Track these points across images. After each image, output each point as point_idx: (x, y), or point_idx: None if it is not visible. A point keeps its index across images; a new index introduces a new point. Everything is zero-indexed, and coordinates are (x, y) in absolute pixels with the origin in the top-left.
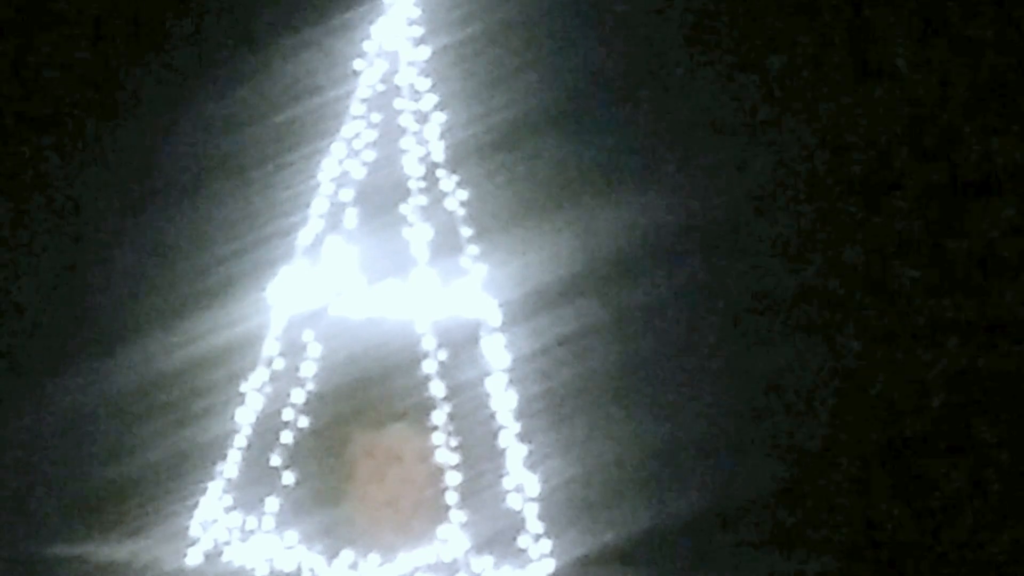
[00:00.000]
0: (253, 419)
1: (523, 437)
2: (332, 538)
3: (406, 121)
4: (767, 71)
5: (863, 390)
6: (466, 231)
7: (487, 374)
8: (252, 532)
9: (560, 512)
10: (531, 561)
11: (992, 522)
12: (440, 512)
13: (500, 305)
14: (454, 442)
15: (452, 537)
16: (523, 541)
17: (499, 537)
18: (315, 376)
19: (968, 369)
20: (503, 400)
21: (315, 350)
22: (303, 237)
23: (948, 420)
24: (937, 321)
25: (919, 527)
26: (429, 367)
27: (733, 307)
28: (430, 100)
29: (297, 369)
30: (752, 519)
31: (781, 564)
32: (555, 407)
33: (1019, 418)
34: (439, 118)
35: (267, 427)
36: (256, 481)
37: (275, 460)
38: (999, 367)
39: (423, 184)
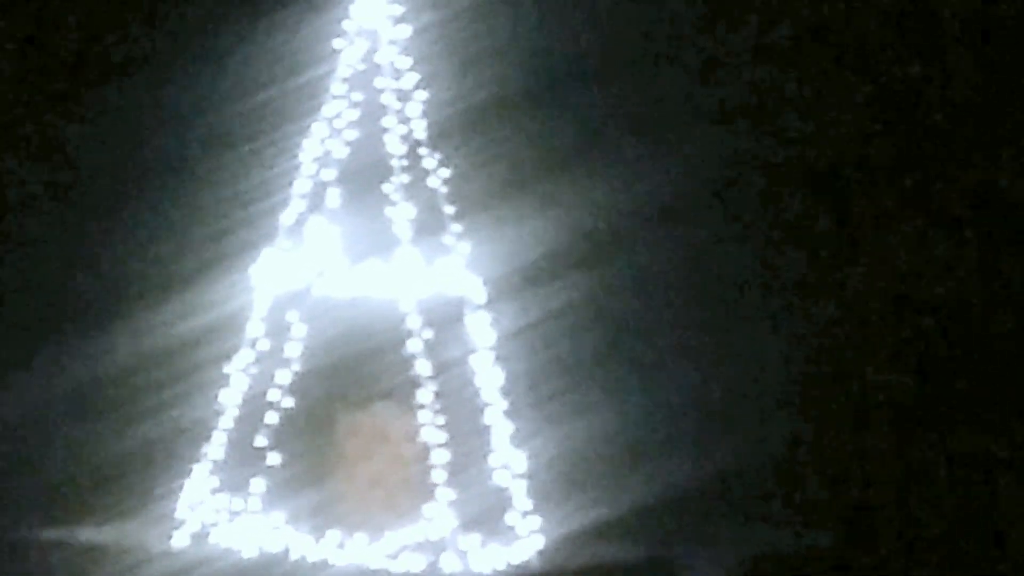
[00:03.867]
0: (238, 400)
1: (509, 415)
2: (319, 518)
3: (387, 100)
4: (748, 53)
5: (854, 365)
6: (449, 209)
7: (472, 352)
8: (238, 513)
9: (548, 489)
10: (519, 538)
11: (993, 497)
12: (427, 491)
13: (484, 283)
14: (440, 421)
15: (439, 516)
16: (511, 519)
17: (487, 515)
18: (300, 356)
19: (956, 334)
20: (489, 378)
21: (299, 330)
22: (285, 217)
23: (945, 387)
24: (910, 293)
25: (915, 500)
26: (414, 346)
27: (720, 282)
28: (411, 79)
29: (281, 350)
30: (742, 494)
31: (771, 539)
32: (541, 384)
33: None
34: (421, 96)
35: (252, 408)
36: (242, 462)
37: (260, 441)
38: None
39: (405, 163)
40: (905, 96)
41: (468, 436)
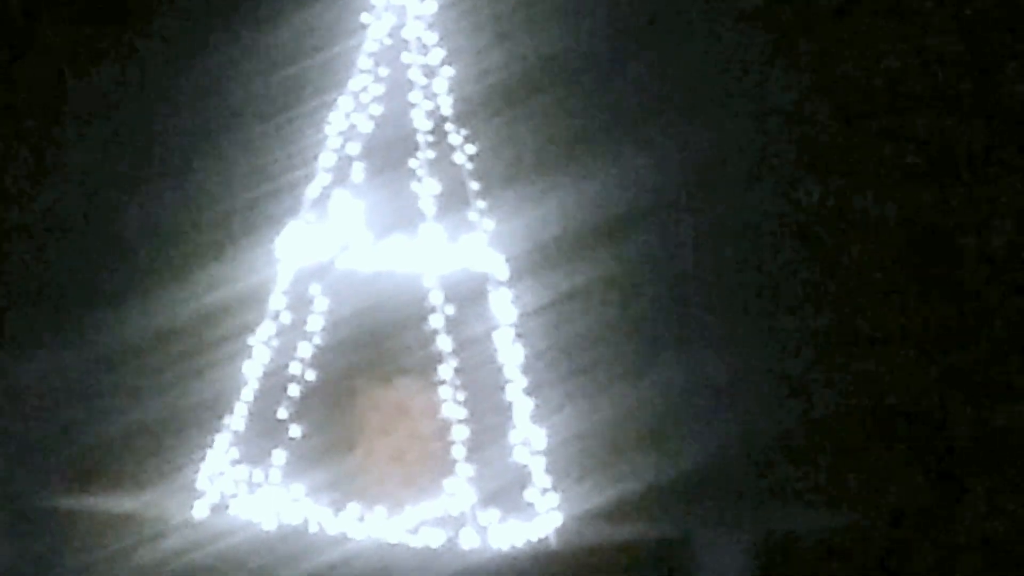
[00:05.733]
0: (260, 372)
1: (530, 391)
2: (339, 491)
3: (414, 75)
4: (775, 23)
5: (876, 344)
6: (474, 186)
7: (494, 328)
8: (259, 485)
9: (567, 466)
10: (538, 515)
11: (1008, 476)
12: (447, 466)
13: (507, 259)
14: (461, 396)
15: (459, 491)
16: (530, 495)
17: (506, 491)
18: (322, 330)
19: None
20: (510, 354)
21: (322, 304)
22: (310, 191)
23: (966, 363)
24: (926, 274)
25: (933, 481)
26: (436, 321)
27: (741, 262)
28: (438, 54)
29: (304, 323)
30: (759, 473)
31: (788, 518)
32: (562, 361)
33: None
34: (447, 72)
35: (274, 380)
36: (263, 434)
37: (282, 413)
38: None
39: (431, 138)
40: (920, 88)
41: (488, 412)
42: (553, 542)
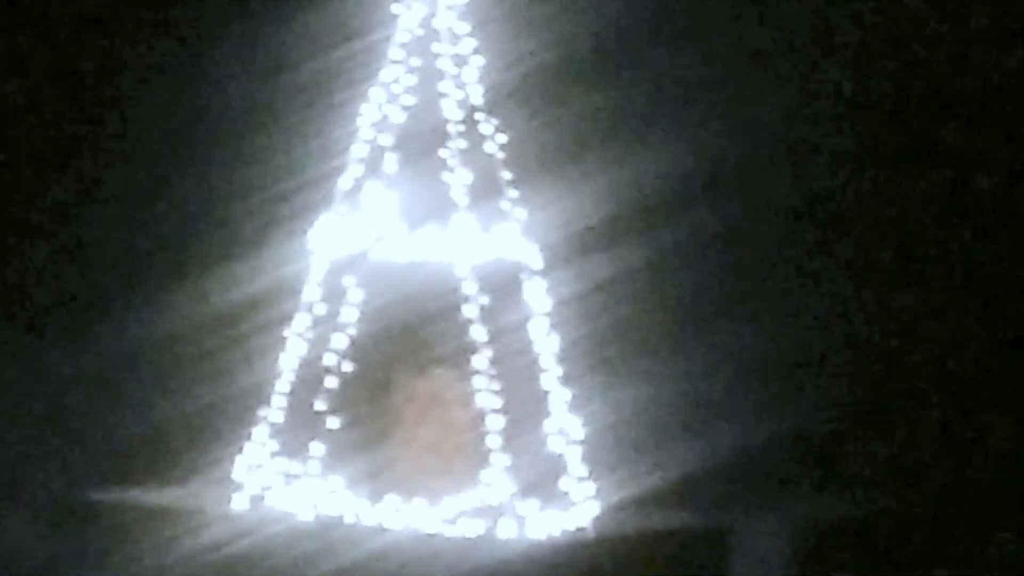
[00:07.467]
0: (296, 364)
1: (565, 380)
2: (376, 482)
3: (445, 65)
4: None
5: (912, 334)
6: (506, 175)
7: (528, 318)
8: (296, 477)
9: (603, 455)
10: (575, 504)
11: None
12: (483, 456)
13: (541, 249)
14: (496, 386)
15: (496, 481)
16: (566, 484)
17: (542, 480)
18: (356, 321)
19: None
20: (545, 344)
21: (356, 295)
22: (343, 182)
23: (1005, 352)
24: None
25: (973, 465)
26: (470, 311)
27: (779, 247)
28: (469, 44)
29: (338, 314)
30: (797, 460)
31: (825, 505)
32: (597, 350)
33: None
34: (478, 62)
35: (310, 372)
36: (300, 426)
37: (319, 405)
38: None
39: (462, 128)
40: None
41: (523, 402)
42: (590, 531)
